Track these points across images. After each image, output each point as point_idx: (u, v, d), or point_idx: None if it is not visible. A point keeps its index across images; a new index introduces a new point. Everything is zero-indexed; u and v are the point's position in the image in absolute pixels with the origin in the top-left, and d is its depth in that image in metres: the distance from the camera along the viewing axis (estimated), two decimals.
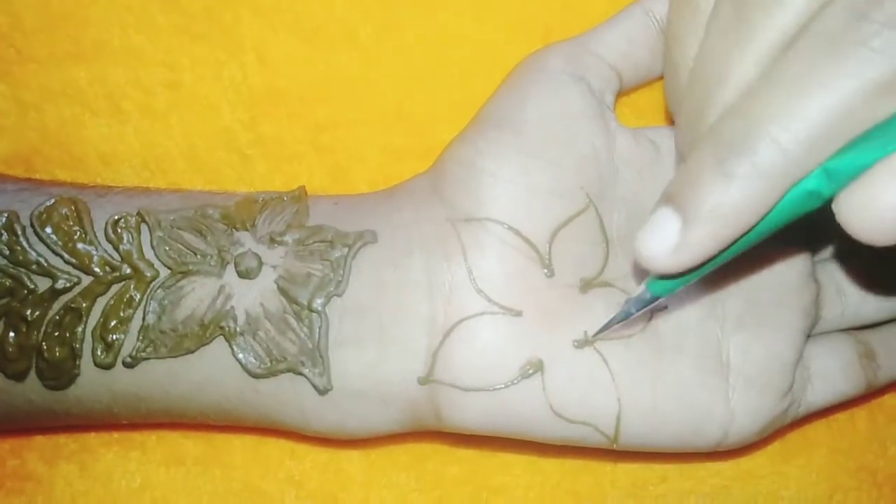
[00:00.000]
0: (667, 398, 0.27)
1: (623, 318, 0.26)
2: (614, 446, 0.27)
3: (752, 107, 0.20)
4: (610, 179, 0.28)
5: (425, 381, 0.26)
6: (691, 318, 0.28)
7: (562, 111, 0.27)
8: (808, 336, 0.29)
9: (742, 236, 0.21)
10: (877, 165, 0.19)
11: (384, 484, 0.31)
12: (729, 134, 0.20)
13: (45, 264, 0.26)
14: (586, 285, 0.27)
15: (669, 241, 0.21)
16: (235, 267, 0.26)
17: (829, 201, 0.20)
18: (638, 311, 0.25)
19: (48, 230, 0.26)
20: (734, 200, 0.20)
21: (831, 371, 0.29)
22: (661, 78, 0.30)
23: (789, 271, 0.29)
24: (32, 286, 0.26)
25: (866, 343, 0.30)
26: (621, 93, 0.29)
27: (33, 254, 0.26)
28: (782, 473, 0.32)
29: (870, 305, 0.31)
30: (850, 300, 0.30)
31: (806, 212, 0.21)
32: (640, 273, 0.28)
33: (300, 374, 0.26)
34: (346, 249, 0.26)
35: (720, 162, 0.20)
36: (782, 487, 0.32)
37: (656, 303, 0.25)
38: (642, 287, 0.25)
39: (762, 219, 0.21)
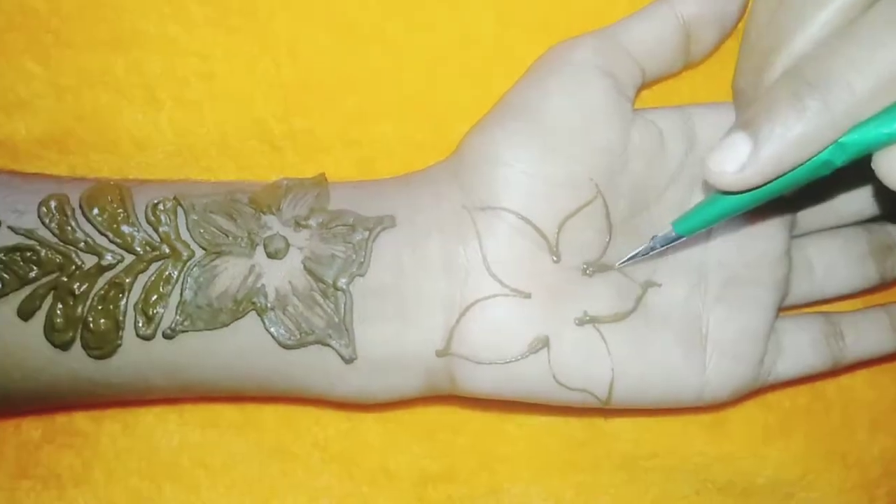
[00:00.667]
0: (652, 367, 0.28)
1: (647, 253, 0.28)
2: (606, 406, 0.29)
3: (831, 54, 0.23)
4: (619, 170, 0.28)
5: (442, 353, 0.27)
6: (679, 295, 0.29)
7: (584, 105, 0.28)
8: (780, 309, 0.31)
9: (790, 172, 0.24)
10: None
11: (400, 450, 0.32)
12: (808, 74, 0.23)
13: (92, 243, 0.27)
14: (588, 269, 0.28)
15: (739, 160, 0.23)
16: (264, 248, 0.27)
17: (836, 169, 0.24)
18: (662, 247, 0.28)
19: (95, 211, 0.27)
20: (801, 129, 0.23)
21: (801, 345, 0.31)
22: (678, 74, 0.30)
23: (767, 250, 0.30)
24: (80, 262, 0.27)
25: (836, 324, 0.32)
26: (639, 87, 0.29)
27: (81, 233, 0.27)
28: (761, 455, 0.33)
29: (833, 281, 0.32)
30: (817, 275, 0.32)
31: (819, 176, 0.24)
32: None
33: (328, 345, 0.27)
34: (366, 233, 0.27)
35: (796, 96, 0.23)
36: (761, 468, 0.33)
37: (678, 241, 0.27)
38: (668, 227, 0.27)
39: (811, 157, 0.23)
